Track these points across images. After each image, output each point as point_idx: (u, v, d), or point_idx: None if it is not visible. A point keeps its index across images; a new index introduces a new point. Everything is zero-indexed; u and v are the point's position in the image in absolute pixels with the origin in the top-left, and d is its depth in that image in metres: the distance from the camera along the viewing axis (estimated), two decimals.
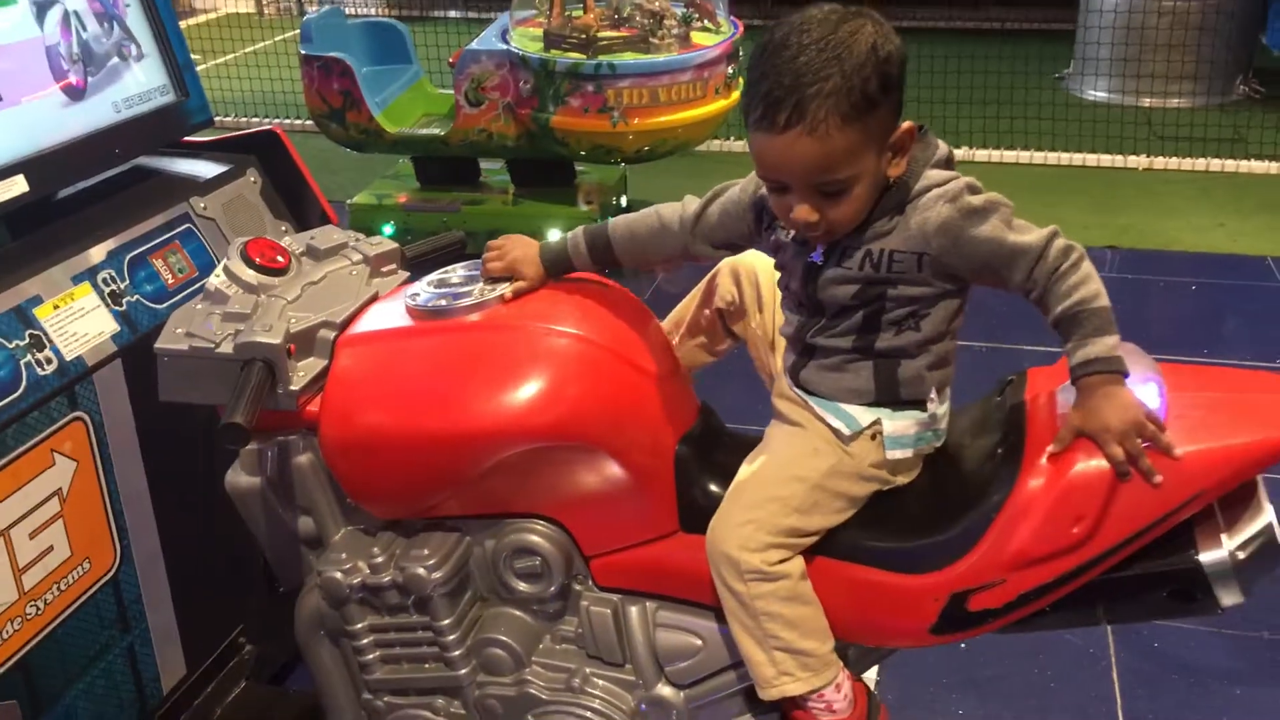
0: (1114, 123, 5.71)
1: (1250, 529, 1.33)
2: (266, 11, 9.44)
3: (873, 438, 1.44)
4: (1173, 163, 5.39)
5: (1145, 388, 1.34)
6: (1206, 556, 1.32)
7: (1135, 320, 3.63)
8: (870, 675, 2.09)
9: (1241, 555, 1.32)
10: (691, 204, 1.57)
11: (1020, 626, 1.43)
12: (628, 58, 4.03)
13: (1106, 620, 1.45)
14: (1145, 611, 1.41)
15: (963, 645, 2.25)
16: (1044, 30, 7.69)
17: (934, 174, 1.38)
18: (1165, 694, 2.32)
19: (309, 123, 4.69)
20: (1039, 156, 5.52)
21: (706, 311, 1.68)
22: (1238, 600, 1.34)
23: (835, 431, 1.44)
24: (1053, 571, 1.34)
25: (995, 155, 5.52)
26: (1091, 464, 1.31)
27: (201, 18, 8.95)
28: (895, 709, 2.26)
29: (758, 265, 1.63)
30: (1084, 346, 1.31)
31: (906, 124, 1.35)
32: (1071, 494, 1.32)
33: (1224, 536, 1.33)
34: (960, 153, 5.46)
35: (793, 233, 1.43)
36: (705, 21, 4.28)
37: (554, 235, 1.68)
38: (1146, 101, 6.29)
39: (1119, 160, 5.43)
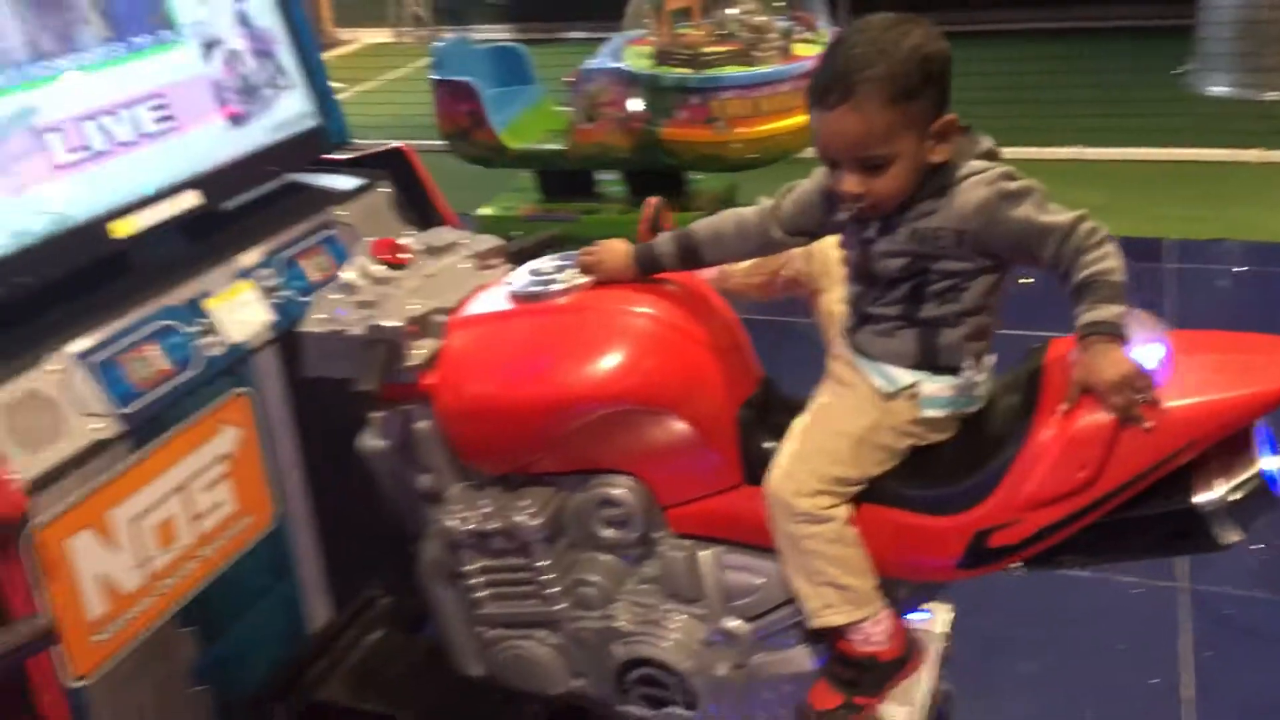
0: (1230, 117, 5.68)
1: (1242, 475, 1.48)
2: (403, 40, 10.00)
3: (911, 397, 1.64)
4: None
5: (1149, 349, 1.50)
6: (1201, 499, 1.48)
7: (1252, 312, 3.66)
8: (945, 618, 2.25)
9: (1234, 498, 1.48)
10: (767, 200, 1.79)
11: (1039, 564, 1.61)
12: (731, 71, 4.27)
13: (1119, 559, 1.61)
14: (1152, 549, 1.58)
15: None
16: (1165, 27, 7.61)
17: (975, 163, 1.58)
18: (1236, 657, 2.43)
19: (442, 144, 5.05)
20: (1152, 153, 5.53)
21: (774, 266, 1.89)
22: (1235, 539, 1.50)
23: (877, 389, 1.65)
24: (1062, 511, 1.52)
25: (1106, 153, 5.55)
26: (1094, 417, 1.49)
27: (344, 49, 9.53)
28: (971, 656, 2.43)
29: (830, 250, 1.85)
30: (1092, 311, 1.47)
31: (949, 116, 1.55)
32: (1076, 443, 1.50)
33: (1217, 481, 1.49)
34: (1069, 151, 5.53)
35: (850, 211, 1.63)
36: (806, 33, 4.49)
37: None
38: (1270, 95, 6.21)
39: (1233, 154, 5.40)
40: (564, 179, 4.91)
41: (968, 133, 1.59)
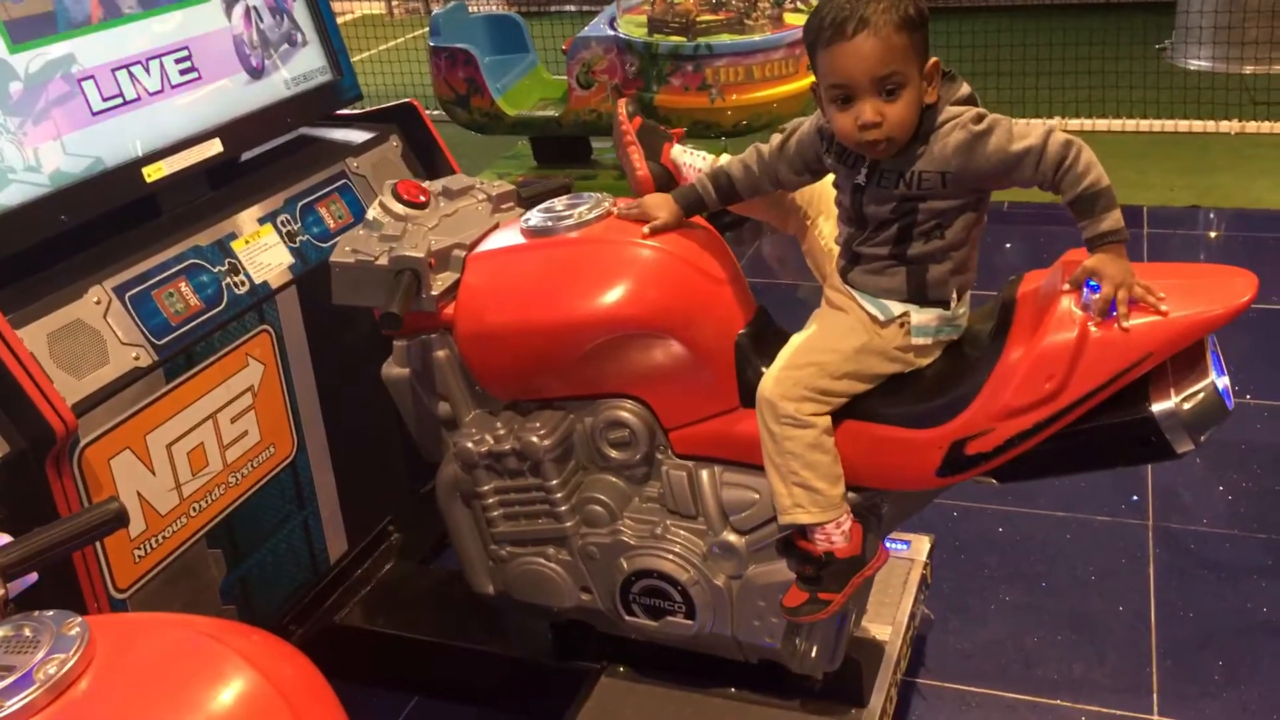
0: (1209, 89, 5.82)
1: (1195, 386, 1.63)
2: (395, 12, 10.07)
3: (900, 325, 1.77)
4: (1265, 126, 5.49)
5: None
6: (1158, 408, 1.63)
7: None
8: (923, 547, 2.40)
9: (1187, 407, 1.62)
10: (775, 138, 1.90)
11: (1009, 475, 1.75)
12: (724, 39, 4.38)
13: (1084, 468, 1.76)
14: (1113, 458, 1.72)
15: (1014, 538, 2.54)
16: (1147, 2, 7.75)
17: (951, 109, 1.70)
18: (1196, 585, 2.59)
19: (436, 112, 5.16)
20: (1132, 124, 5.66)
21: (776, 196, 2.00)
22: (1189, 448, 1.64)
23: (872, 317, 1.77)
24: (1031, 420, 1.66)
25: (1088, 124, 5.69)
26: (1058, 336, 1.63)
27: (339, 20, 9.58)
28: (949, 595, 2.59)
29: (824, 190, 1.97)
30: (1097, 222, 1.61)
31: (934, 58, 1.68)
32: (1043, 358, 1.64)
33: (1172, 391, 1.63)
34: (1053, 123, 5.67)
35: (880, 149, 1.70)
36: (798, 3, 4.61)
37: None
38: (1249, 69, 6.34)
39: (1211, 126, 5.55)
40: (559, 145, 5.03)
41: (948, 77, 1.72)
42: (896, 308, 1.77)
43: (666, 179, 2.07)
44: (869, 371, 1.78)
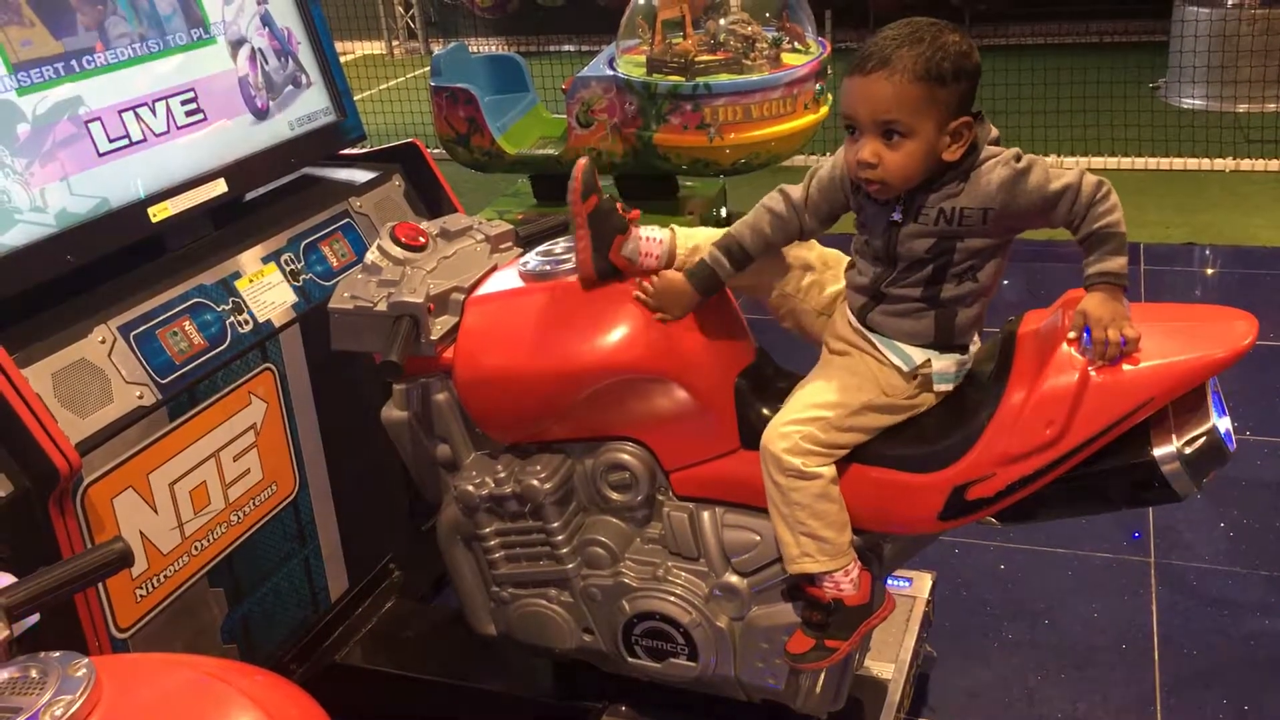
0: (1204, 128, 5.87)
1: (1197, 430, 1.63)
2: (396, 52, 10.15)
3: (914, 377, 1.76)
4: (1259, 164, 5.53)
5: None
6: (1159, 452, 1.63)
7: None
8: (925, 584, 2.40)
9: (1189, 451, 1.63)
10: (793, 190, 1.84)
11: (1012, 518, 1.75)
12: (723, 78, 4.42)
13: (1086, 511, 1.76)
14: (1115, 501, 1.72)
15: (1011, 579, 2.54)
16: (1140, 43, 7.83)
17: (990, 148, 1.71)
18: (1199, 622, 2.59)
19: (437, 150, 5.18)
20: (1127, 162, 5.71)
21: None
22: (1191, 491, 1.65)
23: (895, 367, 1.75)
24: (1033, 465, 1.67)
25: (1084, 162, 5.73)
26: (1060, 380, 1.64)
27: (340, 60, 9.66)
28: (951, 632, 2.58)
29: (833, 254, 1.94)
30: (1102, 261, 1.64)
31: (964, 118, 1.66)
32: (1044, 404, 1.64)
33: (1174, 436, 1.64)
34: (1049, 160, 5.71)
35: (874, 189, 1.70)
36: (795, 43, 4.65)
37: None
38: (1242, 107, 6.41)
39: (1206, 163, 5.59)
40: (559, 184, 5.02)
41: (980, 119, 1.72)
42: (918, 354, 1.76)
43: (613, 274, 1.89)
44: (874, 425, 1.78)
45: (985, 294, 1.75)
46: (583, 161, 1.92)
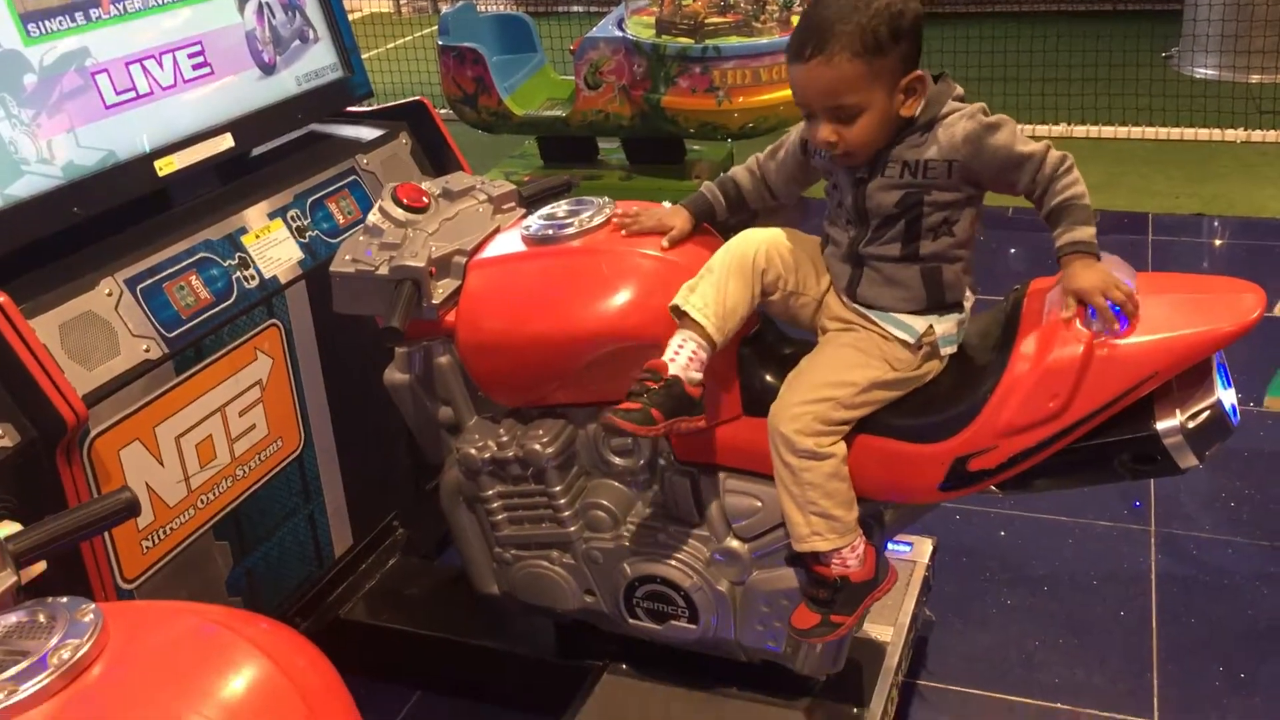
0: (1215, 98, 5.82)
1: (1200, 404, 1.63)
2: (403, 11, 10.07)
3: (920, 348, 1.76)
4: (1271, 135, 5.48)
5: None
6: (1162, 425, 1.63)
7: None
8: (925, 550, 2.41)
9: (1192, 425, 1.62)
10: (762, 156, 1.92)
11: (1013, 488, 1.75)
12: (732, 41, 4.39)
13: (1088, 483, 1.77)
14: (1118, 474, 1.72)
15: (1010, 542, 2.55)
16: (1153, 11, 7.75)
17: (954, 104, 1.71)
18: (1198, 591, 2.60)
19: (444, 110, 5.16)
20: (1138, 131, 5.66)
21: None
22: (1193, 464, 1.65)
23: (901, 342, 1.75)
24: (1035, 438, 1.66)
25: (1094, 131, 5.69)
26: (1064, 351, 1.63)
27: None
28: (951, 597, 2.60)
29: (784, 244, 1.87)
30: (1069, 232, 1.64)
31: (918, 72, 1.67)
32: (1048, 375, 1.64)
33: (1177, 410, 1.63)
34: (1060, 129, 5.68)
35: (843, 160, 1.72)
36: (805, 6, 4.61)
37: (666, 205, 1.97)
38: (1255, 78, 6.34)
39: (1217, 134, 5.55)
40: (565, 145, 5.03)
41: (941, 80, 1.72)
42: (919, 323, 1.76)
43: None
44: (883, 399, 1.77)
45: (965, 246, 1.75)
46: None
